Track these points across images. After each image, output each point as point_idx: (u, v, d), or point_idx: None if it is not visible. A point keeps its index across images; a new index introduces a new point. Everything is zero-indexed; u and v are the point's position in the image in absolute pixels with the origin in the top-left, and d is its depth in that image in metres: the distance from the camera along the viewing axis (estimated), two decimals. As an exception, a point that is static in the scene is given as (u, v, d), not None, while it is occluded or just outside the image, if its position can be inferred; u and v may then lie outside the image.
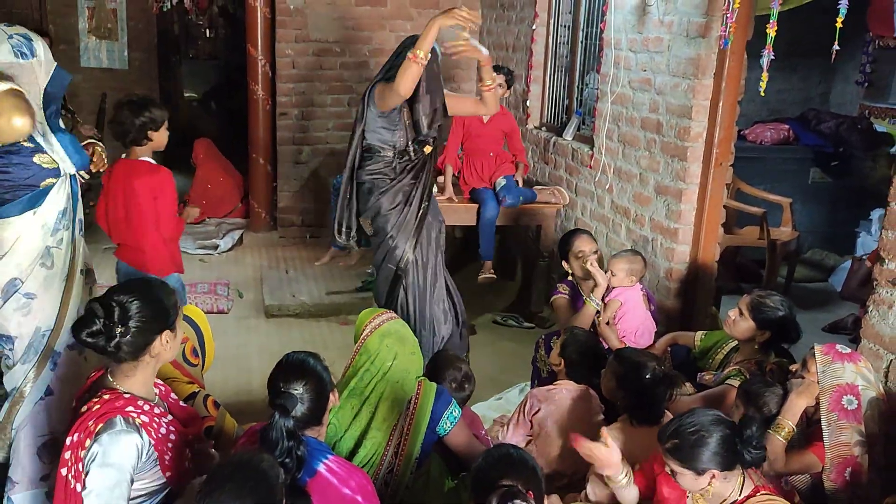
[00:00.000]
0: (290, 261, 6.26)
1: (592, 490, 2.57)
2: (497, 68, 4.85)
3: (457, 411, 2.67)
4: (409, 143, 3.58)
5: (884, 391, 2.54)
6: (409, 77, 3.30)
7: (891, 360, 2.60)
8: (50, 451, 2.56)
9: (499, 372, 4.29)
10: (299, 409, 2.10)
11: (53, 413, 2.57)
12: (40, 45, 2.51)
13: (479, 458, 2.08)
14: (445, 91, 3.71)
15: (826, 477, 2.46)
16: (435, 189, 4.01)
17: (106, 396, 2.00)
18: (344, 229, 3.78)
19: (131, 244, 3.51)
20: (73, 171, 2.56)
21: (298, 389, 2.12)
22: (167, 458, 2.03)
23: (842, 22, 2.77)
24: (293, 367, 2.19)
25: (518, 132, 5.32)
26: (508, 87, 5.09)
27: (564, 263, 3.74)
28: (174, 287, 3.75)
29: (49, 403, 2.57)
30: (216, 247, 6.54)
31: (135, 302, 2.01)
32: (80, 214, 2.68)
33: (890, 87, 6.96)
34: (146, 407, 2.03)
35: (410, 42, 3.47)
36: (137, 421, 1.97)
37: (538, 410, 2.89)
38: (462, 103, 3.93)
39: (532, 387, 3.49)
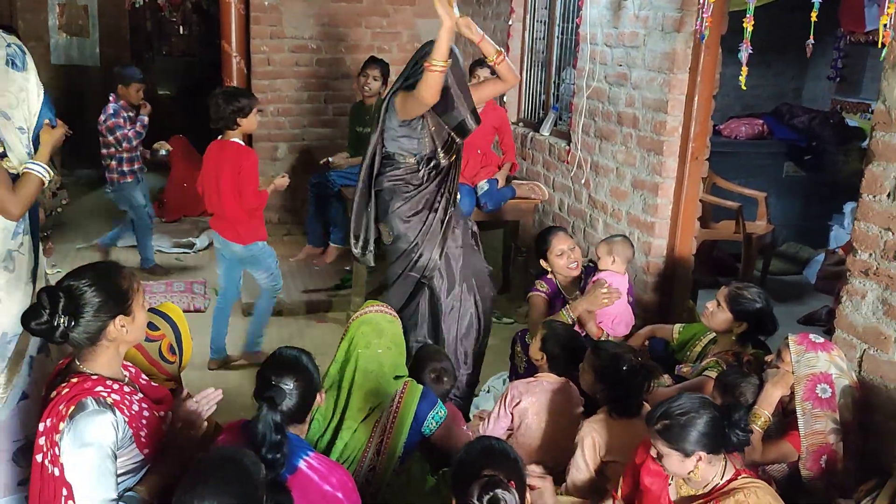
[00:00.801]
0: (268, 259, 6.20)
1: (572, 480, 2.59)
2: (480, 63, 4.82)
3: (442, 411, 2.67)
4: (438, 150, 3.46)
5: (857, 380, 2.58)
6: (429, 86, 3.19)
7: (864, 350, 2.63)
8: (26, 455, 2.50)
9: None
10: (286, 404, 2.10)
11: (28, 417, 2.51)
12: (30, 61, 2.50)
13: (460, 450, 2.09)
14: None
15: (802, 465, 2.50)
16: None
17: (74, 380, 1.98)
18: (361, 242, 3.61)
19: (220, 215, 4.16)
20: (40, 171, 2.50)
21: (289, 385, 2.12)
22: (142, 434, 2.01)
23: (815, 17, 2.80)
24: (286, 362, 2.19)
25: (509, 127, 5.26)
26: None
27: (543, 262, 3.71)
28: (260, 252, 4.21)
29: (22, 407, 2.52)
30: (192, 245, 6.48)
31: (84, 289, 1.97)
32: (40, 218, 2.64)
33: (861, 81, 7.05)
34: (115, 386, 2.00)
35: (428, 50, 3.32)
36: (108, 400, 1.95)
37: (519, 402, 2.91)
38: (482, 90, 3.74)
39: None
